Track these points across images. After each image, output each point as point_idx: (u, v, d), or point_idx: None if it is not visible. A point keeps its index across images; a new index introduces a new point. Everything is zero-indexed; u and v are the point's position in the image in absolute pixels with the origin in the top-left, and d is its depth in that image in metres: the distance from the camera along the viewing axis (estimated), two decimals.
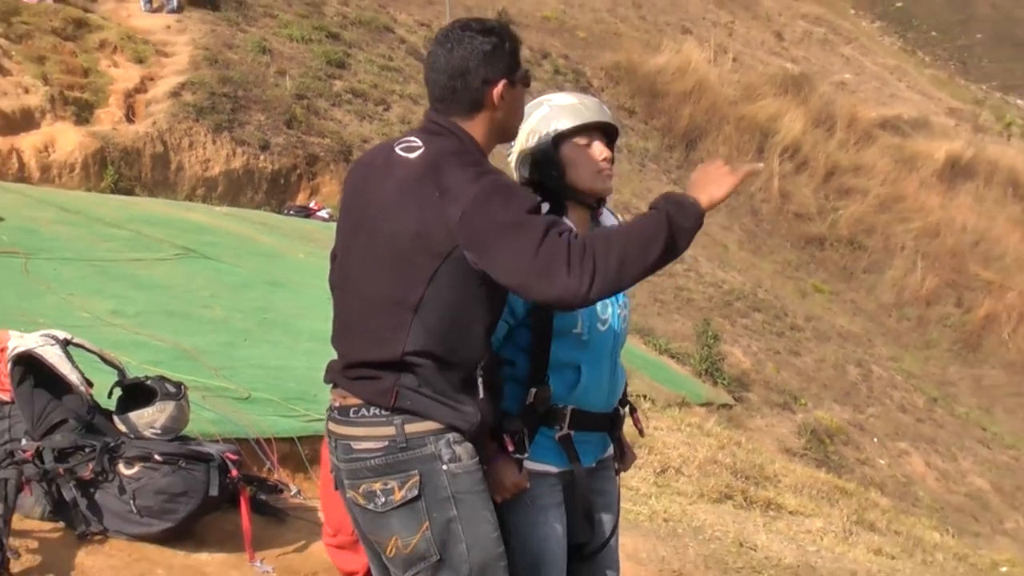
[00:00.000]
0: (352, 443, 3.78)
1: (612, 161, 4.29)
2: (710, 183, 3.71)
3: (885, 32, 73.37)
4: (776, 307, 23.62)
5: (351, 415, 3.79)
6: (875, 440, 19.58)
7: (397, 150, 3.82)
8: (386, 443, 3.72)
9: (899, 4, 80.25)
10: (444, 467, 3.72)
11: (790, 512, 9.94)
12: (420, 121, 3.99)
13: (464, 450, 3.77)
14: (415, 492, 3.71)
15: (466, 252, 3.63)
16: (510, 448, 4.04)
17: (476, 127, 3.89)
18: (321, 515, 4.61)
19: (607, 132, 4.33)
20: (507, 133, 4.06)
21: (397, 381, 3.71)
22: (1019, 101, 65.73)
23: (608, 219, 4.44)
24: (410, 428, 3.71)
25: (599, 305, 4.18)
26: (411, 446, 3.71)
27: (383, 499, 3.74)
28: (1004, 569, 11.07)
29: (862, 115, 35.63)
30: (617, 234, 3.63)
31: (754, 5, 49.91)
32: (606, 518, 4.43)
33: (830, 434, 18.34)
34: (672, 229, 3.57)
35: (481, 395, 3.81)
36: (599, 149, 4.24)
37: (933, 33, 77.28)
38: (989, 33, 78.30)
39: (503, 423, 4.04)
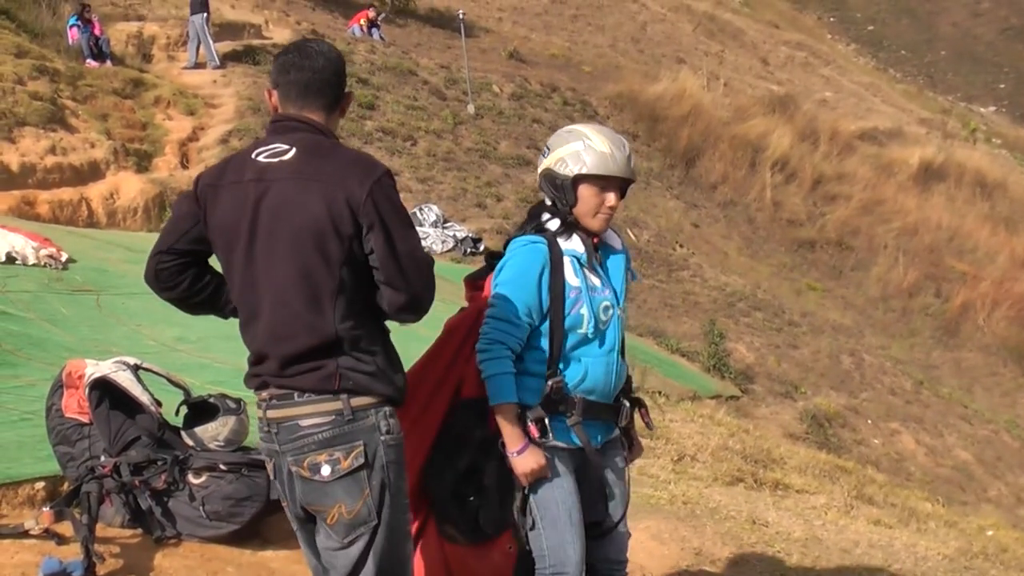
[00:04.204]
0: (300, 421, 3.71)
1: (615, 209, 4.35)
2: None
3: (859, 53, 73.51)
4: (774, 306, 23.55)
5: (296, 398, 3.72)
6: (869, 422, 19.48)
7: (262, 159, 3.76)
8: (333, 417, 3.69)
9: (871, 28, 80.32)
10: (382, 438, 3.72)
11: (796, 491, 9.87)
12: (267, 128, 3.93)
13: (395, 423, 3.79)
14: (361, 460, 3.69)
15: (368, 229, 3.64)
16: (535, 434, 4.15)
17: (329, 122, 3.89)
18: None
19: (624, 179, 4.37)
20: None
21: (338, 365, 3.68)
22: (982, 109, 65.83)
23: (612, 240, 4.53)
24: (355, 402, 3.70)
25: (601, 308, 4.30)
26: (356, 418, 3.70)
27: (329, 469, 3.69)
28: (990, 532, 10.96)
29: (843, 128, 35.65)
30: None
31: (740, 35, 50.06)
32: (618, 492, 4.49)
33: (828, 418, 18.26)
34: None
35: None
36: (610, 199, 4.30)
37: (902, 52, 77.38)
38: (952, 50, 78.40)
39: (525, 412, 4.16)
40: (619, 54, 38.46)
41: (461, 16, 28.91)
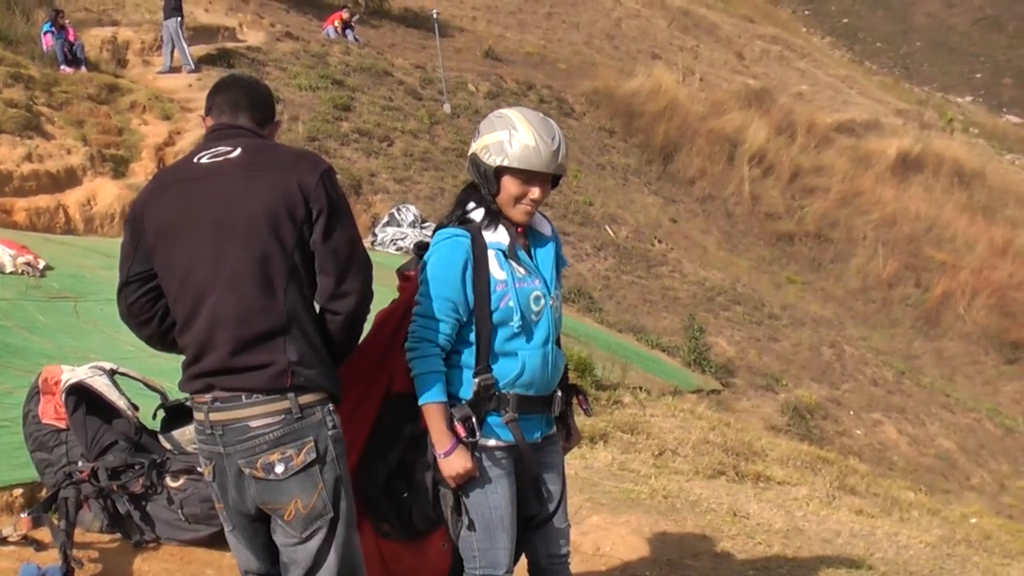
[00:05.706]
0: (249, 422, 3.72)
1: (539, 202, 4.26)
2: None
3: (835, 46, 73.76)
4: (754, 299, 23.60)
5: (243, 399, 3.73)
6: (851, 413, 19.54)
7: (204, 160, 3.84)
8: (282, 416, 3.72)
9: (845, 20, 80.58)
10: (329, 432, 3.79)
11: (778, 482, 9.88)
12: (206, 136, 4.04)
13: (337, 419, 3.86)
14: (313, 456, 3.74)
15: (317, 214, 3.74)
16: (462, 434, 4.10)
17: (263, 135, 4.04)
18: None
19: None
20: None
21: (289, 362, 3.70)
22: (958, 99, 66.11)
23: (542, 226, 4.48)
24: (303, 399, 3.74)
25: (531, 299, 4.23)
26: (304, 415, 3.74)
27: (283, 467, 3.73)
28: (973, 520, 10.99)
29: (819, 121, 35.78)
30: None
31: (715, 30, 50.11)
32: (554, 489, 4.44)
33: (810, 410, 18.31)
34: None
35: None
36: (533, 192, 4.21)
37: (878, 44, 77.65)
38: (927, 41, 78.74)
39: (452, 411, 4.11)
40: (594, 51, 38.48)
41: (435, 16, 28.88)
